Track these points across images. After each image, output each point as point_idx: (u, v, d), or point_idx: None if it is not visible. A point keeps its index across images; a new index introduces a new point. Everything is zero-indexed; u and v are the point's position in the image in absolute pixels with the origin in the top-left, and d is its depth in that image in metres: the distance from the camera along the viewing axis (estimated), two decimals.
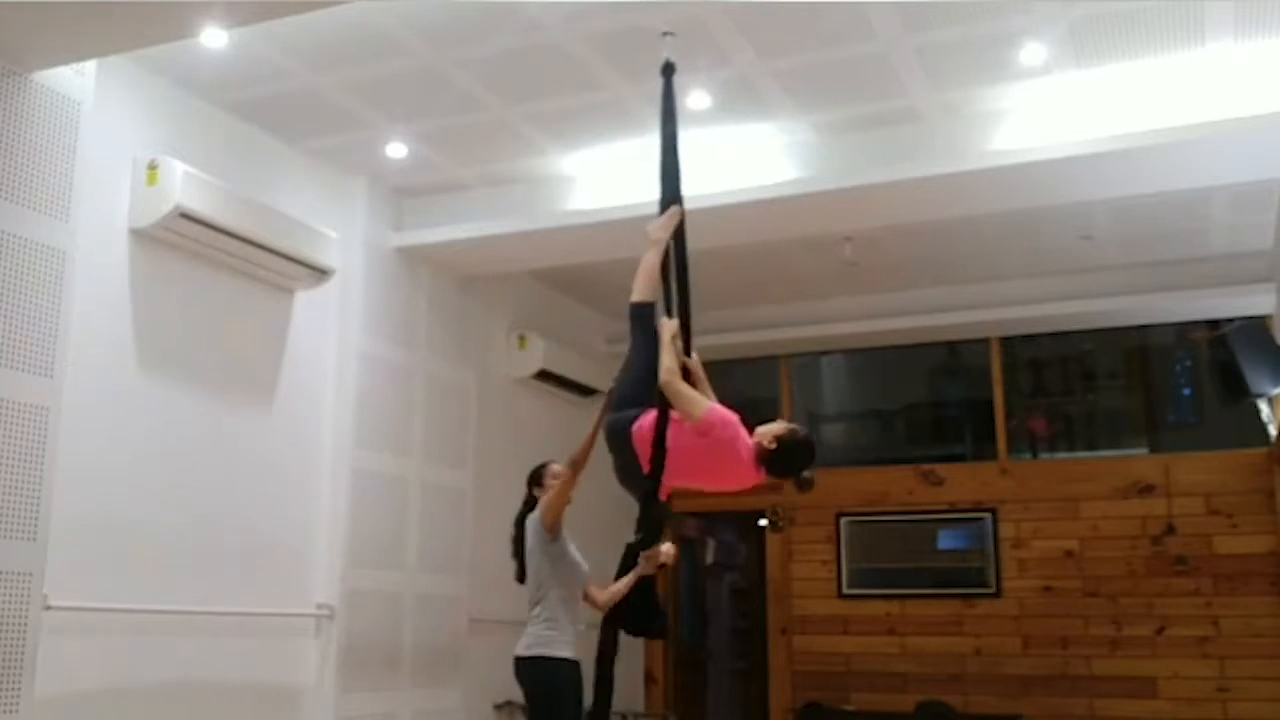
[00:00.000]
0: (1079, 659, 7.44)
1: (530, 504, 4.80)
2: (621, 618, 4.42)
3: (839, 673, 7.97)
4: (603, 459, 4.02)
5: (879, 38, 4.58)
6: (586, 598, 4.68)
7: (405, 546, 6.02)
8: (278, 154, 5.56)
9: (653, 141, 4.21)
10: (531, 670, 4.46)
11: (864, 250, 6.72)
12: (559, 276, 7.47)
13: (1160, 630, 7.28)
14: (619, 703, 7.73)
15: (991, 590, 7.71)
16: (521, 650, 4.53)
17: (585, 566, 4.71)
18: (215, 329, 5.15)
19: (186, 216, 4.75)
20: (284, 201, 5.45)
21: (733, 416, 3.73)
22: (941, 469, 8.02)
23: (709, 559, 9.32)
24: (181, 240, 4.88)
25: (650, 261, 3.95)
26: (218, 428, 5.11)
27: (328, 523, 5.64)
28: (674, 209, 3.99)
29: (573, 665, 4.49)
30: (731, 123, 5.33)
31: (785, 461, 3.72)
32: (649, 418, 3.75)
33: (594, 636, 4.58)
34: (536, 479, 4.85)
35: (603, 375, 7.75)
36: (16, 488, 3.83)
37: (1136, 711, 7.22)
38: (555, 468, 4.77)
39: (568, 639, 4.51)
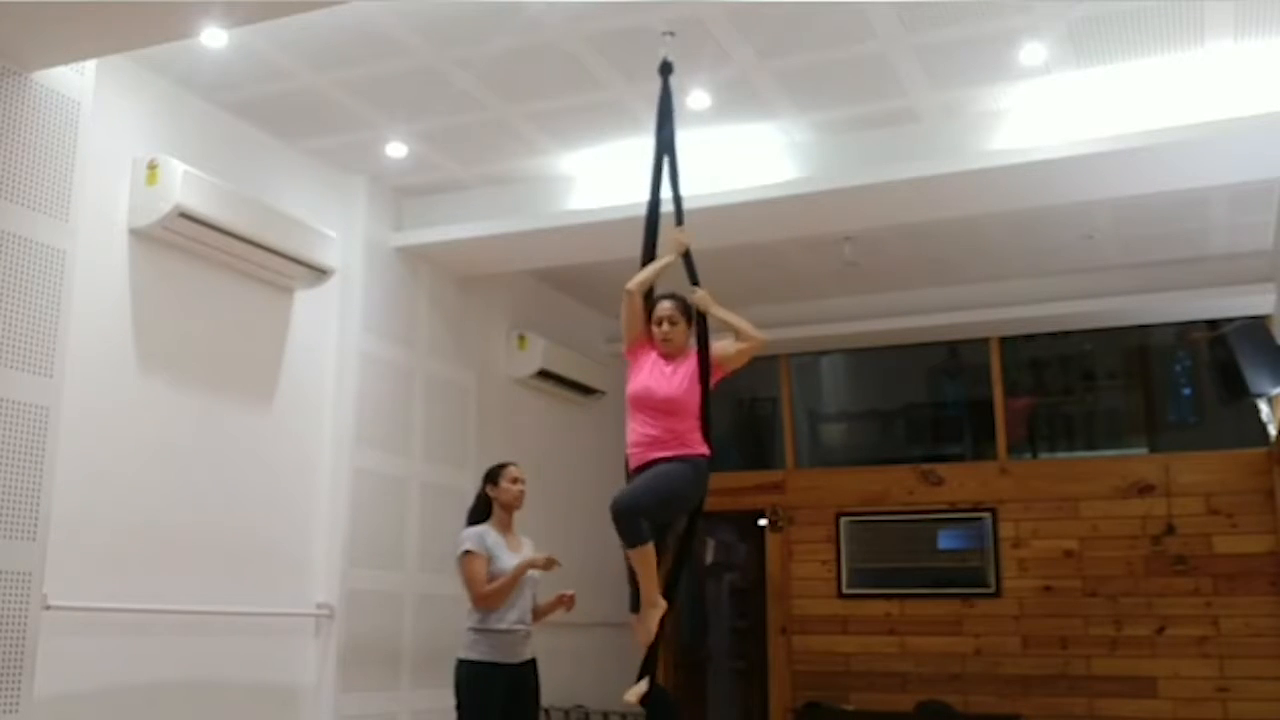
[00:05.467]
0: (1079, 659, 7.44)
1: (482, 501, 4.77)
2: None
3: (839, 672, 7.97)
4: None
5: (879, 38, 4.58)
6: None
7: (405, 546, 6.02)
8: (278, 154, 5.56)
9: (652, 141, 4.20)
10: (456, 671, 4.64)
11: (864, 250, 6.72)
12: (559, 276, 7.46)
13: (1160, 630, 7.28)
14: (618, 703, 7.73)
15: (991, 590, 7.71)
16: (458, 651, 4.69)
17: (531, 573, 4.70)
18: (215, 329, 5.14)
19: (186, 216, 4.74)
20: (284, 201, 5.45)
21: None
22: (941, 469, 8.02)
23: (709, 559, 9.31)
24: (181, 240, 4.87)
25: None
26: (218, 428, 5.11)
27: (328, 523, 5.64)
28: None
29: (491, 669, 4.57)
30: (731, 123, 5.32)
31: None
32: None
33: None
34: (492, 478, 4.80)
35: (603, 375, 7.76)
36: (16, 488, 3.83)
37: (1136, 711, 7.23)
38: (514, 470, 4.75)
39: (495, 644, 4.59)
